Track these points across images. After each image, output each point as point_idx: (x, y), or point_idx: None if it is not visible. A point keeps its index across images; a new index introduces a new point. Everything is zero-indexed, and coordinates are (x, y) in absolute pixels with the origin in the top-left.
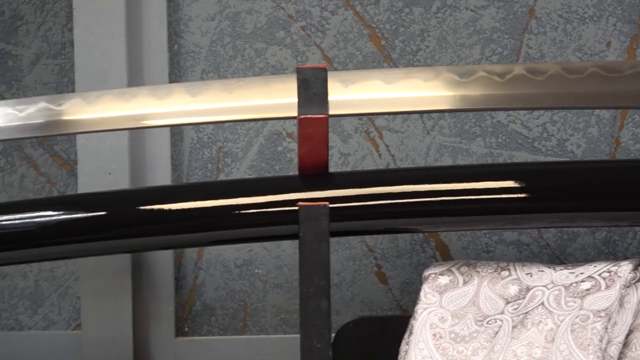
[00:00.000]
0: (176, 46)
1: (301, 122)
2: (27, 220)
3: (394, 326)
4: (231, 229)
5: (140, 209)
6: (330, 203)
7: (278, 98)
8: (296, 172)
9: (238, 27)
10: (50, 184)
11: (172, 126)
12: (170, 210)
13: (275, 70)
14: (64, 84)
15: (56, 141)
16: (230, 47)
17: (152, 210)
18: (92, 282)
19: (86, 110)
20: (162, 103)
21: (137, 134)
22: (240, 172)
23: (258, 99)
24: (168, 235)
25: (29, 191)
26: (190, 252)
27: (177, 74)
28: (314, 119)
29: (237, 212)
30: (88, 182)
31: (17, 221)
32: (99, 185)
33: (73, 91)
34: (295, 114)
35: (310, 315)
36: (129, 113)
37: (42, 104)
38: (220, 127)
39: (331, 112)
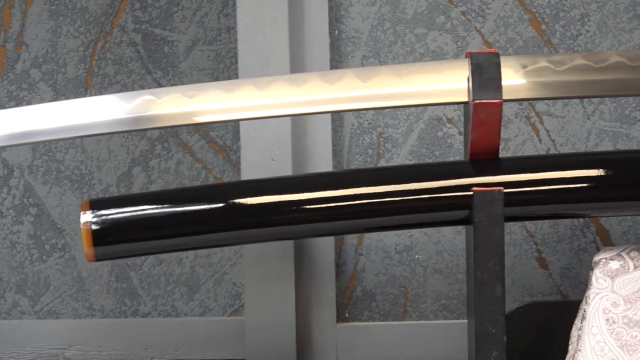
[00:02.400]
0: (337, 32)
1: (475, 107)
2: (186, 208)
3: (562, 311)
4: (401, 214)
5: (303, 196)
6: (503, 188)
7: (448, 83)
8: (456, 158)
9: (398, 12)
10: (206, 170)
11: (343, 111)
12: (337, 197)
13: (436, 56)
14: (219, 70)
15: (212, 127)
16: (391, 33)
17: (314, 198)
18: (255, 268)
19: (258, 95)
20: (333, 88)
21: (299, 120)
22: (401, 157)
23: (428, 84)
24: (332, 222)
25: (184, 177)
26: (351, 238)
27: (337, 60)
28: (488, 104)
29: (408, 197)
30: (250, 169)
31: (176, 209)
32: (262, 172)
33: (228, 77)
34: (464, 99)
35: (485, 300)
36: (300, 98)
37: (214, 90)
38: (380, 113)
39: (505, 97)
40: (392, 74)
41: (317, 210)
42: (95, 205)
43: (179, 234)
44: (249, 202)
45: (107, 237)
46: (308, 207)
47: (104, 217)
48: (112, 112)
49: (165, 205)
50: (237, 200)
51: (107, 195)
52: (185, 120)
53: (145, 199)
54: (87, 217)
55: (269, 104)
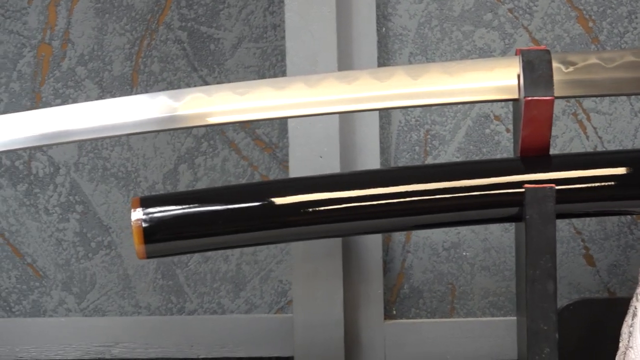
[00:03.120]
0: (384, 29)
1: (527, 105)
2: (236, 206)
3: (612, 308)
4: (450, 211)
5: (351, 193)
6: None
7: (498, 80)
8: (504, 155)
9: (446, 10)
10: (252, 168)
11: (394, 109)
12: (385, 194)
13: (483, 53)
14: (265, 67)
15: (258, 125)
16: (438, 30)
17: (363, 195)
18: (303, 266)
19: (308, 93)
20: (384, 85)
21: (347, 117)
22: (448, 155)
23: (478, 82)
24: (381, 219)
25: (230, 175)
26: (398, 235)
27: (384, 57)
28: (540, 101)
29: (458, 194)
30: (298, 166)
31: (226, 206)
32: (310, 169)
33: (274, 75)
34: (515, 96)
35: (537, 297)
36: (350, 96)
37: (265, 88)
38: (427, 110)
39: (556, 94)
40: (442, 72)
41: (366, 208)
42: (146, 202)
43: (229, 232)
44: (297, 200)
45: (157, 235)
46: (356, 204)
47: (154, 215)
48: (162, 110)
49: (216, 203)
50: (285, 198)
51: (154, 193)
52: (236, 118)
53: (195, 197)
54: (137, 214)
55: (319, 101)
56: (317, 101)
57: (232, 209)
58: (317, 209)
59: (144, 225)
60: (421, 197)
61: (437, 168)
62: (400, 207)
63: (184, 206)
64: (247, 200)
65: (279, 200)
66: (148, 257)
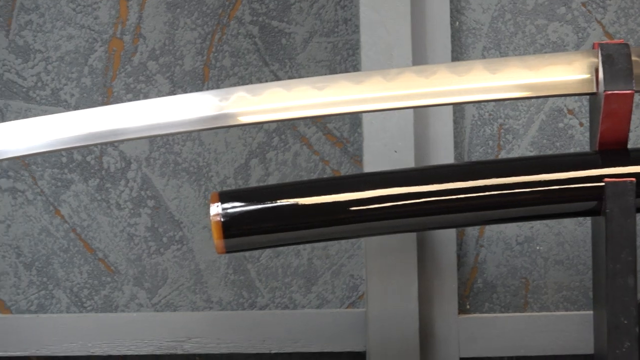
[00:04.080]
0: (457, 23)
1: (607, 99)
2: (314, 200)
3: None
4: (526, 206)
5: (427, 188)
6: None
7: (574, 74)
8: (577, 149)
9: (519, 4)
10: (323, 162)
11: (472, 103)
12: (461, 189)
13: (556, 47)
14: (336, 62)
15: (329, 119)
16: (512, 24)
17: (438, 190)
18: (378, 261)
19: (386, 87)
20: (461, 80)
21: (421, 111)
22: (522, 149)
23: (554, 76)
24: (457, 214)
25: (302, 169)
26: (472, 230)
27: (458, 52)
28: (620, 95)
29: (535, 188)
30: (373, 160)
31: (305, 201)
32: (385, 164)
33: (345, 69)
34: (592, 90)
35: (617, 292)
36: (428, 90)
37: (343, 82)
38: (501, 104)
39: (636, 87)
40: (521, 66)
41: (442, 202)
42: (225, 197)
43: (307, 226)
44: (375, 195)
45: (236, 229)
46: (433, 199)
47: (233, 210)
48: (239, 105)
49: (294, 198)
50: (363, 192)
51: (226, 188)
52: (314, 113)
53: (273, 191)
54: (217, 209)
55: (397, 95)
56: (395, 95)
57: (310, 203)
58: (394, 203)
59: (222, 220)
60: (497, 192)
61: (514, 162)
62: (476, 202)
63: (262, 201)
64: (325, 195)
65: (356, 195)
66: (227, 252)
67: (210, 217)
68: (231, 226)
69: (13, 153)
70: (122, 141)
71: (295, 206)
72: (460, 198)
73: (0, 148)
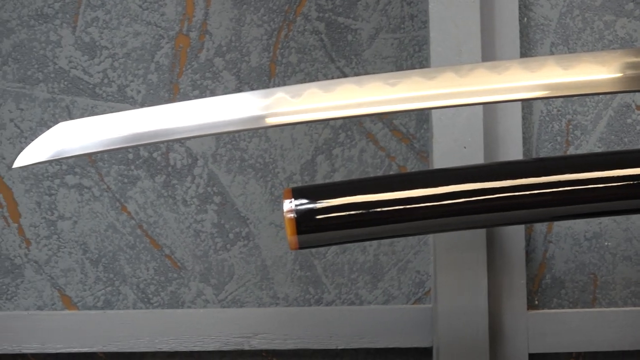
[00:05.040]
0: (526, 19)
1: None
2: (386, 197)
3: None
4: (597, 202)
5: (496, 184)
6: None
7: None
8: None
9: (587, 0)
10: (389, 158)
11: (546, 99)
12: (531, 185)
13: (624, 43)
14: (403, 58)
15: (395, 115)
16: (580, 20)
17: (512, 186)
18: (447, 256)
19: (458, 83)
20: (534, 76)
21: (490, 107)
22: (590, 144)
23: (629, 70)
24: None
25: (367, 165)
26: (540, 226)
27: (526, 47)
28: None
29: (605, 184)
30: (443, 156)
31: (376, 197)
32: (454, 159)
33: (412, 65)
34: None
35: None
36: (500, 86)
37: (415, 78)
38: (569, 100)
39: None
40: (594, 62)
41: (512, 199)
42: (298, 193)
43: (380, 222)
44: (446, 191)
45: (310, 225)
46: (503, 195)
47: (306, 206)
48: (315, 100)
49: (368, 194)
50: (435, 189)
51: (299, 185)
52: (386, 109)
53: (346, 188)
54: (290, 205)
55: (469, 91)
56: (467, 91)
57: (384, 199)
58: (466, 199)
59: (296, 216)
60: (566, 188)
61: (583, 158)
62: (545, 198)
63: (335, 197)
64: (398, 191)
65: (429, 191)
66: (300, 248)
67: (284, 214)
68: (304, 222)
69: (79, 151)
70: (187, 139)
71: (369, 202)
72: (530, 194)
73: (68, 146)
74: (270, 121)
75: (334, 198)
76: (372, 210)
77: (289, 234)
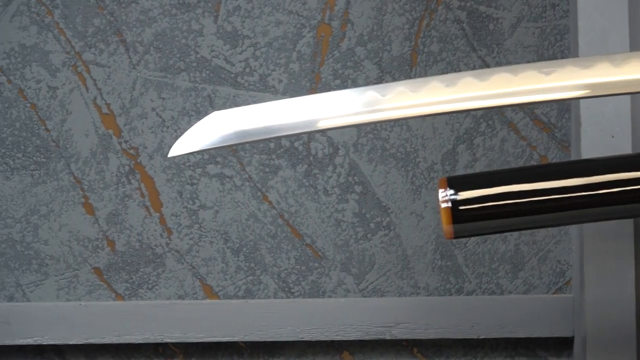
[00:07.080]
0: None
1: None
2: (542, 186)
3: None
4: None
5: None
6: None
7: None
8: None
9: None
10: (530, 148)
11: None
12: None
13: None
14: (544, 47)
15: (537, 104)
16: None
17: None
18: (592, 246)
19: (613, 72)
20: None
21: (637, 96)
22: None
23: None
24: None
25: (509, 155)
26: None
27: None
28: None
29: None
30: (590, 145)
31: (533, 186)
32: (601, 149)
33: (553, 55)
34: None
35: None
36: None
37: (570, 67)
38: None
39: None
40: None
41: None
42: (454, 182)
43: (536, 212)
44: (602, 180)
45: (465, 215)
46: None
47: (462, 195)
48: (470, 89)
49: (523, 183)
50: (591, 178)
51: (457, 175)
52: (541, 98)
53: (502, 176)
54: (446, 194)
55: (623, 81)
56: (621, 81)
57: (541, 189)
58: (621, 189)
59: (452, 205)
60: None
61: None
62: None
63: (491, 186)
64: (554, 180)
65: (585, 180)
66: (455, 237)
67: (439, 202)
68: (460, 211)
69: (236, 139)
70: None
71: (525, 192)
72: None
73: (225, 135)
74: (423, 111)
75: (489, 187)
76: (528, 199)
77: (445, 223)
